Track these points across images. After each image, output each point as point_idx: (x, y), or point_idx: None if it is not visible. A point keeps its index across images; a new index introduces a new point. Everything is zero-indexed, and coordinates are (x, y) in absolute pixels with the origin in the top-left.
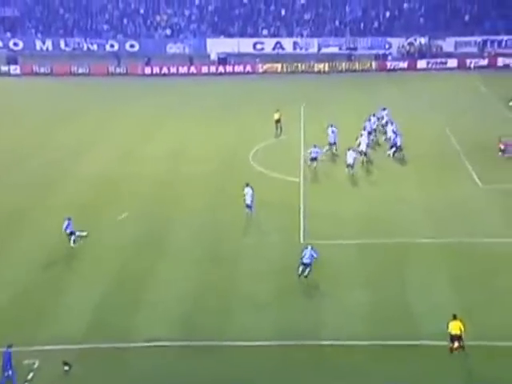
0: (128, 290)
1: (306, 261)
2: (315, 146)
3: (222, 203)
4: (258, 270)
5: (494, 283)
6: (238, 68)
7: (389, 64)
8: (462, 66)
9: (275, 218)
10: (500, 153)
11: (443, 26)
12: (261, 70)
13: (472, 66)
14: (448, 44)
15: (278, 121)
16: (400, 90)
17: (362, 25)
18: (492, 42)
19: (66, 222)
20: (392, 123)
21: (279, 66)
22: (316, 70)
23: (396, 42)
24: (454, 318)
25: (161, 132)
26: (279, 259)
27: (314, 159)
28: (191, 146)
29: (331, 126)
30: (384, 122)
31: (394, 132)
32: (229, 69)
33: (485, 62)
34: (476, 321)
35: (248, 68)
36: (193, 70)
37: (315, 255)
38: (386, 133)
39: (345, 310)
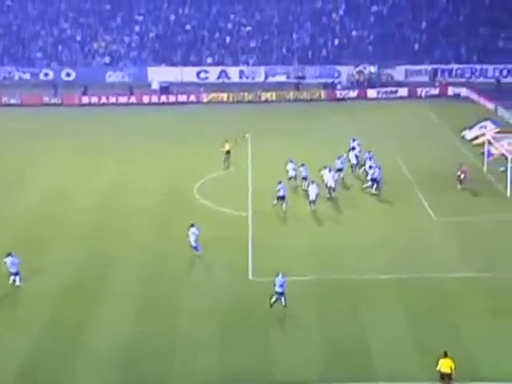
0: (65, 335)
1: (278, 290)
2: (280, 182)
3: (164, 239)
4: (203, 309)
5: (451, 319)
6: (182, 98)
7: (338, 93)
8: (412, 95)
9: (222, 254)
10: (459, 184)
11: (393, 55)
12: (205, 100)
13: (423, 95)
14: (398, 72)
15: (227, 152)
16: (350, 119)
17: (309, 53)
18: (442, 70)
19: (8, 259)
20: (370, 157)
21: (225, 95)
22: (263, 99)
23: (345, 71)
24: (445, 355)
25: (100, 164)
26: (226, 297)
27: (281, 198)
28: (133, 180)
29: (291, 161)
30: (357, 151)
31: (371, 166)
32: (171, 98)
33: (436, 91)
34: (433, 359)
35: (192, 98)
36: (133, 99)
37: (284, 282)
38: (363, 164)
39: (297, 350)
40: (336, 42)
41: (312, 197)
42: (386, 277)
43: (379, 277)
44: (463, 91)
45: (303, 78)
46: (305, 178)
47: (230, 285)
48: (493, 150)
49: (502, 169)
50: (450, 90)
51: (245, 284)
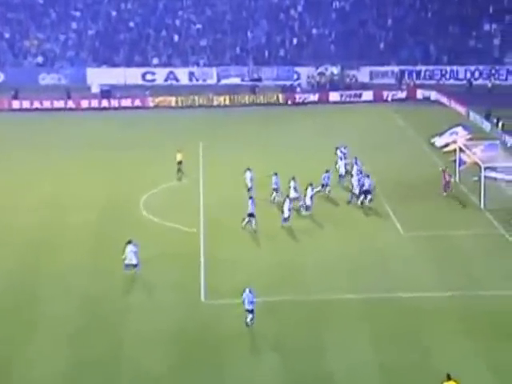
0: None
1: (248, 307)
2: (251, 198)
3: (103, 257)
4: (149, 336)
5: (421, 342)
6: (125, 102)
7: (298, 96)
8: (378, 98)
9: (170, 275)
10: (444, 191)
11: (356, 55)
12: (152, 104)
13: (389, 98)
14: (363, 74)
15: (179, 162)
16: (311, 125)
17: (266, 52)
18: (410, 72)
19: None
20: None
21: (173, 99)
22: (215, 103)
23: (305, 72)
24: (448, 378)
25: (35, 177)
26: (176, 322)
27: (250, 215)
28: (72, 193)
29: (248, 170)
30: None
31: (360, 173)
32: (114, 103)
33: (403, 94)
34: None
35: (137, 102)
36: (71, 104)
37: (253, 298)
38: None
39: (252, 378)
40: (295, 40)
41: (286, 214)
42: (350, 296)
43: (343, 296)
44: (432, 94)
45: (259, 80)
46: (276, 190)
47: (179, 308)
48: (465, 158)
49: (475, 178)
50: (419, 93)
51: (196, 307)
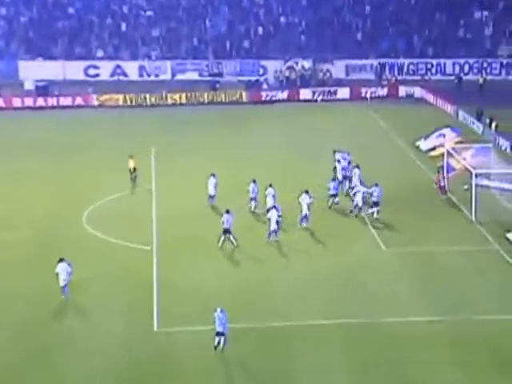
0: None
1: (219, 329)
2: (228, 212)
3: (39, 281)
4: (94, 370)
5: (404, 372)
6: (65, 101)
7: (264, 94)
8: (355, 96)
9: (118, 299)
10: (441, 194)
11: (330, 47)
12: (96, 103)
13: (368, 96)
14: (338, 69)
15: (132, 170)
16: (279, 127)
17: (227, 44)
18: (391, 66)
19: None
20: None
21: (120, 97)
22: (170, 102)
23: (272, 66)
24: None
25: None
26: (125, 355)
27: (226, 231)
28: (2, 208)
29: (213, 175)
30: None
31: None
32: (51, 102)
33: (383, 91)
34: None
35: (78, 100)
36: (0, 103)
37: (225, 318)
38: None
39: None
40: (260, 30)
41: (273, 226)
42: (323, 322)
43: (316, 322)
44: (417, 91)
45: (220, 75)
46: (254, 199)
47: (129, 338)
48: (454, 164)
49: (466, 187)
50: (401, 90)
51: (149, 336)
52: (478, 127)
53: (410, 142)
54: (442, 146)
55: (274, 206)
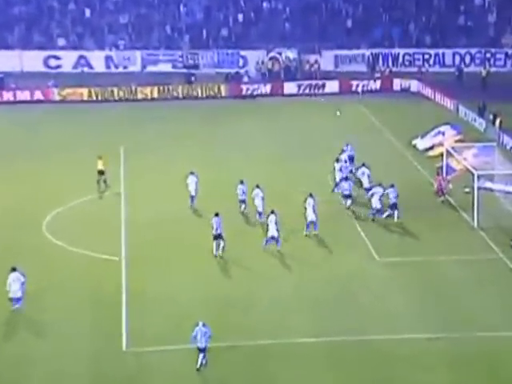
0: None
1: (200, 345)
2: (217, 215)
3: None
4: None
5: None
6: (22, 95)
7: (245, 88)
8: (345, 90)
9: (81, 316)
10: (439, 196)
11: (318, 35)
12: (58, 98)
13: (359, 90)
14: (326, 60)
15: (100, 172)
16: (262, 125)
17: (204, 32)
18: (385, 56)
19: None
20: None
21: (85, 91)
22: (140, 96)
23: (253, 57)
24: None
25: None
26: (90, 376)
27: (217, 236)
28: None
29: (192, 173)
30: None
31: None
32: (7, 96)
33: (376, 84)
34: None
35: (38, 95)
36: None
37: (209, 333)
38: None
39: None
40: (240, 17)
41: (273, 232)
42: (310, 340)
43: (302, 340)
44: (413, 85)
45: (196, 67)
46: (243, 201)
47: (94, 360)
48: (454, 165)
49: (467, 190)
50: (396, 84)
51: (116, 357)
52: (480, 124)
53: (406, 141)
54: (440, 144)
55: (273, 211)
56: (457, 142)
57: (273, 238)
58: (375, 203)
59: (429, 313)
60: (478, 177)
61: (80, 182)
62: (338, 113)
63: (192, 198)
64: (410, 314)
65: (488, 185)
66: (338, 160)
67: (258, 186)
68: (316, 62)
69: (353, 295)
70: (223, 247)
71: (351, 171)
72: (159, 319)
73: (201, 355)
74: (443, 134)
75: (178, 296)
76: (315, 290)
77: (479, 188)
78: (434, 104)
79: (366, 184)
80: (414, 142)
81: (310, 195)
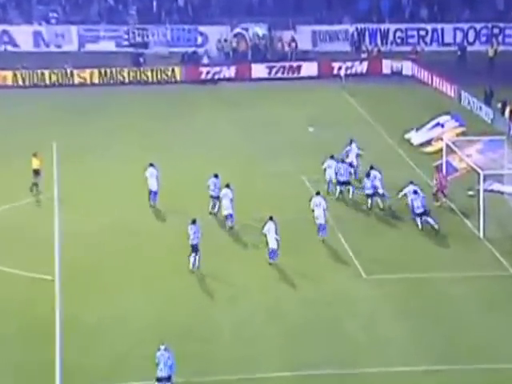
0: None
1: (163, 373)
2: (194, 223)
3: None
4: None
5: None
6: None
7: (204, 71)
8: (325, 73)
9: (7, 350)
10: (437, 199)
11: (292, 8)
12: None
13: (342, 73)
14: (302, 37)
15: (37, 172)
16: (225, 116)
17: (154, 3)
18: (372, 33)
19: None
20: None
21: (9, 74)
22: (77, 81)
23: (215, 34)
24: None
25: None
26: None
27: (195, 248)
28: None
29: (151, 165)
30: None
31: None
32: None
33: (362, 67)
34: None
35: None
36: None
37: (171, 360)
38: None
39: None
40: None
41: (272, 244)
42: (284, 374)
43: (274, 375)
44: (406, 67)
45: (145, 46)
46: (215, 198)
47: None
48: (455, 163)
49: (471, 193)
50: (386, 66)
51: None
52: (486, 114)
53: (398, 135)
54: (439, 139)
55: (271, 218)
56: (459, 135)
57: (272, 251)
58: (417, 203)
59: (426, 340)
60: (485, 177)
61: (4, 185)
62: (311, 129)
63: (153, 194)
64: (404, 342)
65: (496, 187)
66: (342, 161)
67: (227, 186)
68: (293, 40)
69: (336, 320)
70: (198, 259)
71: (352, 173)
72: (101, 351)
73: None
74: (442, 126)
75: (125, 323)
76: (291, 314)
77: (486, 190)
78: (431, 90)
79: (380, 189)
80: (407, 136)
81: (317, 193)
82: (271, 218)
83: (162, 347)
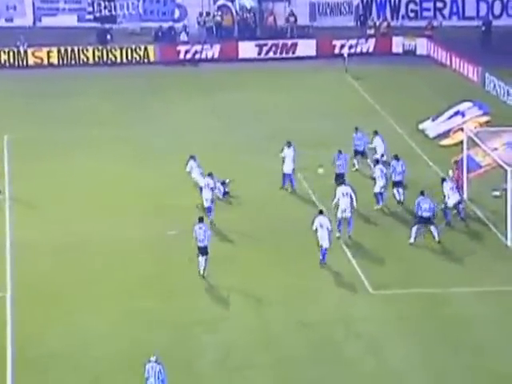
0: None
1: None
2: (201, 221)
3: None
4: None
5: None
6: None
7: (183, 50)
8: (325, 52)
9: None
10: None
11: None
12: None
13: (345, 53)
14: (298, 10)
15: None
16: (208, 103)
17: None
18: (380, 5)
19: None
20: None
21: None
22: (32, 61)
23: (195, 7)
24: None
25: None
26: None
27: (203, 249)
28: None
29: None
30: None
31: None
32: None
33: (368, 45)
34: None
35: None
36: None
37: (163, 375)
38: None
39: None
40: None
41: (324, 242)
42: None
43: None
44: (421, 45)
45: (113, 20)
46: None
47: None
48: (478, 158)
49: (497, 193)
50: (397, 44)
51: None
52: None
53: (411, 125)
54: (459, 129)
55: (321, 211)
56: (482, 125)
57: (326, 249)
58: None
59: (442, 370)
60: None
61: None
62: (321, 170)
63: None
64: (416, 372)
65: None
66: (377, 161)
67: (209, 174)
68: (292, 14)
69: (336, 345)
70: (205, 263)
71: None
72: (58, 379)
73: None
74: (463, 114)
75: (87, 350)
76: (285, 338)
77: None
78: (450, 72)
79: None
80: (422, 127)
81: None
82: (321, 212)
83: (153, 358)
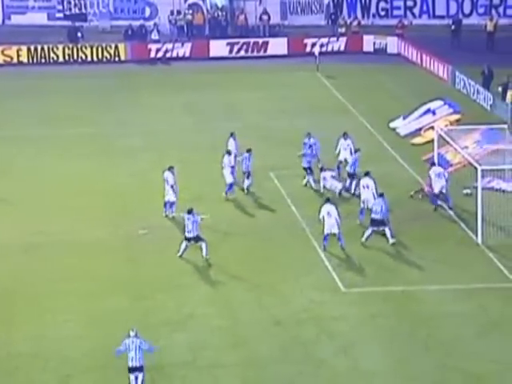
0: None
1: (132, 364)
2: (190, 213)
3: None
4: None
5: None
6: None
7: (154, 48)
8: (296, 51)
9: None
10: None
11: None
12: None
13: (316, 51)
14: (269, 9)
15: None
16: (179, 102)
17: None
18: (351, 3)
19: None
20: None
21: None
22: (2, 60)
23: (166, 4)
24: None
25: None
26: None
27: (195, 239)
28: None
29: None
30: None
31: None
32: None
33: (339, 44)
34: None
35: None
36: None
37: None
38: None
39: None
40: None
41: (332, 228)
42: None
43: None
44: (391, 44)
45: (83, 18)
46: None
47: None
48: (449, 156)
49: (467, 191)
50: (368, 42)
51: None
52: (485, 98)
53: (382, 123)
54: (430, 128)
55: (328, 199)
56: (453, 123)
57: (334, 234)
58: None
59: (414, 369)
60: (483, 173)
61: None
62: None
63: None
64: (388, 372)
65: (497, 184)
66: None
67: (170, 168)
68: (265, 12)
69: (307, 346)
70: (205, 248)
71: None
72: None
73: (131, 376)
74: (434, 112)
75: (56, 350)
76: (252, 338)
77: (484, 188)
78: (420, 71)
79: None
80: (393, 125)
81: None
82: (328, 200)
83: (132, 333)
